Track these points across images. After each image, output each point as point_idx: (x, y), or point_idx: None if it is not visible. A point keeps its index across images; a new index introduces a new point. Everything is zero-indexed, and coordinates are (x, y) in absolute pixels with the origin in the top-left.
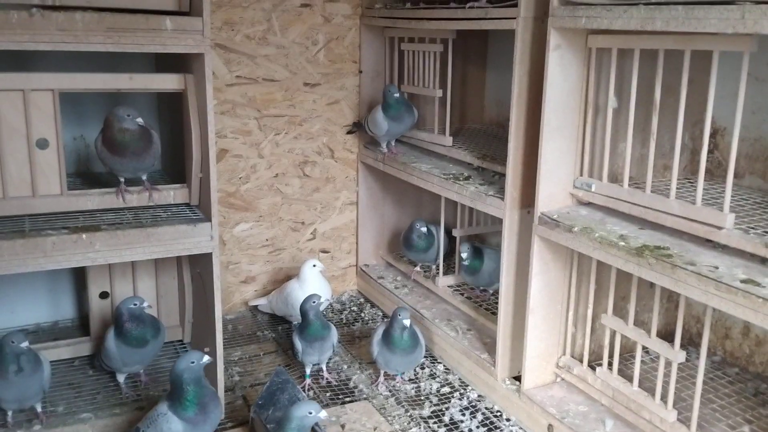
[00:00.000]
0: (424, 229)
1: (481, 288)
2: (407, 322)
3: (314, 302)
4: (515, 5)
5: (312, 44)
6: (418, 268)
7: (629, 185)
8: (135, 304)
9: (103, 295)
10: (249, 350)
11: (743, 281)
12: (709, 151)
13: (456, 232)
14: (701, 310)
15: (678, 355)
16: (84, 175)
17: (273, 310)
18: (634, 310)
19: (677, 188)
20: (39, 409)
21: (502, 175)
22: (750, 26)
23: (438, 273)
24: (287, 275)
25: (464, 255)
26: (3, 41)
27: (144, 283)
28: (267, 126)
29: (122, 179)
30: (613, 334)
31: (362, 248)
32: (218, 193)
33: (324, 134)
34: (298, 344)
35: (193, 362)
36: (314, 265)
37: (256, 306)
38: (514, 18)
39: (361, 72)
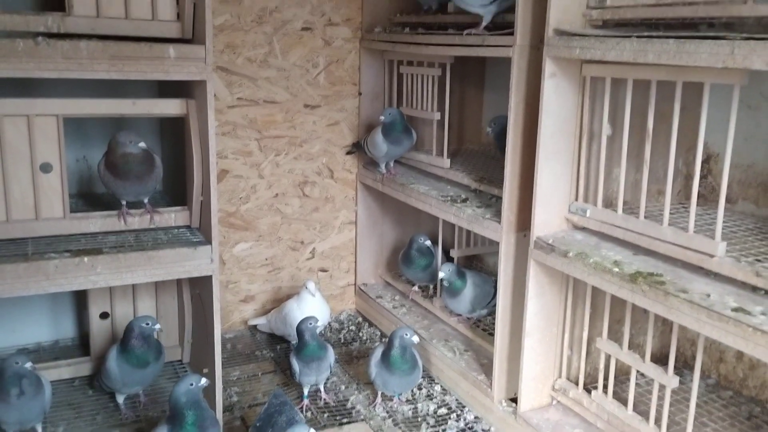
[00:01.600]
0: (427, 243)
1: (463, 316)
2: (416, 339)
3: (311, 324)
4: (511, 34)
5: (312, 67)
6: (416, 288)
7: (623, 211)
8: (147, 324)
9: (104, 315)
10: (248, 370)
11: (734, 309)
12: (703, 177)
13: (454, 253)
14: (696, 334)
15: (671, 381)
16: (86, 195)
17: (272, 329)
18: (629, 333)
19: (671, 213)
20: (39, 430)
21: (499, 198)
22: (740, 61)
23: (436, 293)
24: (286, 294)
25: (443, 273)
26: (9, 69)
27: (144, 303)
28: (267, 147)
29: (124, 202)
30: (608, 357)
31: (361, 267)
32: (218, 213)
33: (324, 155)
34: (296, 365)
35: (192, 384)
36: (306, 287)
37: (255, 325)
38: (511, 46)
39: (360, 94)
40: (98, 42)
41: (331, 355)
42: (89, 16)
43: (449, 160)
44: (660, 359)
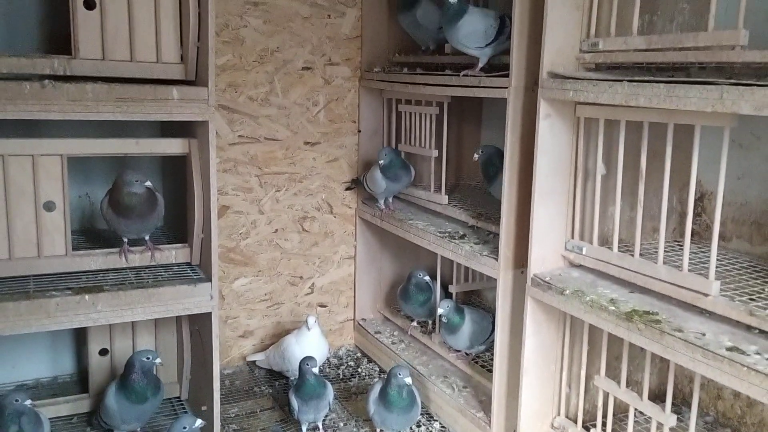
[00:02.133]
0: (426, 278)
1: (462, 351)
2: (408, 380)
3: (308, 365)
4: (507, 75)
5: (313, 105)
6: (414, 324)
7: (619, 249)
8: (147, 358)
9: (103, 352)
10: (246, 406)
11: (729, 349)
12: (697, 215)
13: (452, 288)
14: (693, 371)
15: (669, 419)
16: (88, 232)
17: (270, 365)
18: (626, 370)
19: (666, 251)
20: None
21: (497, 235)
22: (728, 106)
23: (434, 329)
24: (285, 329)
25: (442, 310)
26: (16, 111)
27: (143, 339)
28: (268, 183)
29: (125, 239)
30: (606, 395)
31: (360, 302)
32: (218, 249)
33: (323, 190)
34: (295, 402)
35: (185, 428)
36: (306, 322)
37: (254, 361)
38: (506, 87)
39: (359, 131)
40: (103, 84)
41: (330, 392)
42: (95, 59)
43: (447, 197)
44: (659, 395)
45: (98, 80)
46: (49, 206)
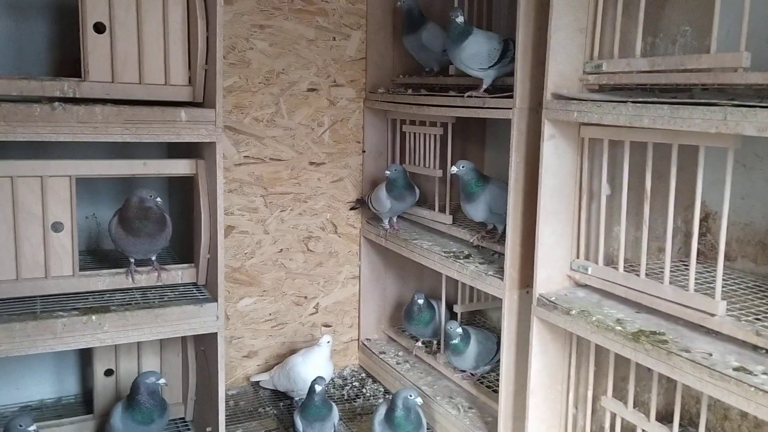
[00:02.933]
0: (421, 301)
1: (467, 372)
2: (419, 400)
3: (317, 384)
4: (511, 96)
5: (318, 126)
6: (419, 344)
7: (624, 268)
8: (152, 380)
9: (108, 372)
10: (250, 428)
11: (735, 369)
12: (702, 235)
13: (457, 308)
14: (699, 391)
15: None
16: (94, 252)
17: (275, 385)
18: (633, 391)
19: (671, 271)
20: None
21: (501, 255)
22: (732, 127)
23: (439, 349)
24: (290, 349)
25: (452, 330)
26: (27, 133)
27: (149, 360)
28: (273, 203)
29: (132, 259)
30: (613, 416)
31: (364, 322)
32: (224, 269)
33: (328, 210)
34: (299, 424)
35: None
36: (328, 342)
37: (258, 381)
38: (510, 108)
39: (364, 152)
40: (113, 107)
41: (335, 414)
42: (104, 81)
43: (452, 217)
44: (665, 417)
45: (107, 102)
46: (57, 227)
